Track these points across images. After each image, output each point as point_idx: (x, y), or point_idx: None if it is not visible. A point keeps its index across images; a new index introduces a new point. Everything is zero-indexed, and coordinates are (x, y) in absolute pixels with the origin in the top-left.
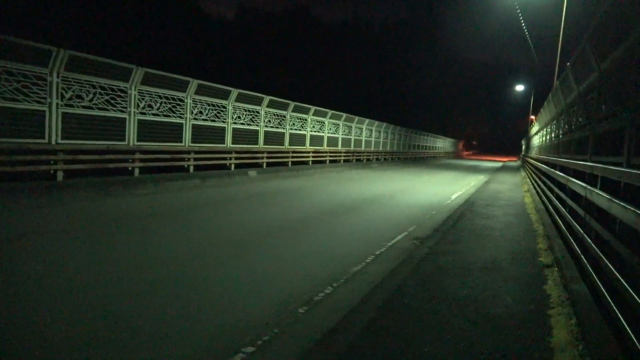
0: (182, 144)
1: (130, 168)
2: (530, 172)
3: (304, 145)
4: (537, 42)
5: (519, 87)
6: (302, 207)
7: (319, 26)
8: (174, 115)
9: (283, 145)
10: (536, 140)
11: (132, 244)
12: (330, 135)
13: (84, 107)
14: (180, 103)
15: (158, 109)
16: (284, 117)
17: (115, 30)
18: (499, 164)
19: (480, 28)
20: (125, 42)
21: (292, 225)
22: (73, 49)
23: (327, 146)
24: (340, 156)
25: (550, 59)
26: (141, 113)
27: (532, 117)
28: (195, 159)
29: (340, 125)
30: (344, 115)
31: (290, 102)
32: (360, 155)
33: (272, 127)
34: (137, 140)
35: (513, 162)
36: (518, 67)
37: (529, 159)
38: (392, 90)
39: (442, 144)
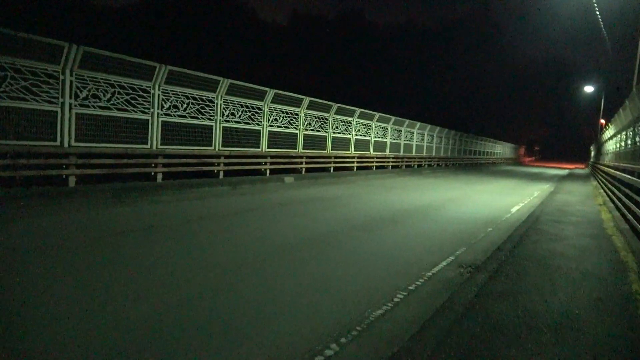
0: (212, 148)
1: (152, 173)
2: (604, 181)
3: (348, 150)
4: (606, 41)
5: (588, 89)
6: (332, 219)
7: (373, 29)
8: (203, 117)
9: (325, 149)
10: (611, 146)
11: (114, 265)
12: (377, 139)
13: (101, 107)
14: (210, 104)
15: (185, 109)
16: (326, 119)
17: (174, 38)
18: (565, 172)
19: (545, 25)
20: (186, 50)
21: (308, 244)
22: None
23: (373, 151)
24: (389, 162)
25: (622, 60)
26: (166, 114)
27: (602, 121)
28: (225, 164)
29: (389, 128)
30: (393, 118)
31: (333, 103)
32: (410, 161)
33: (312, 130)
34: (161, 144)
35: (580, 169)
36: (586, 68)
37: (602, 167)
38: (448, 93)
39: (501, 149)
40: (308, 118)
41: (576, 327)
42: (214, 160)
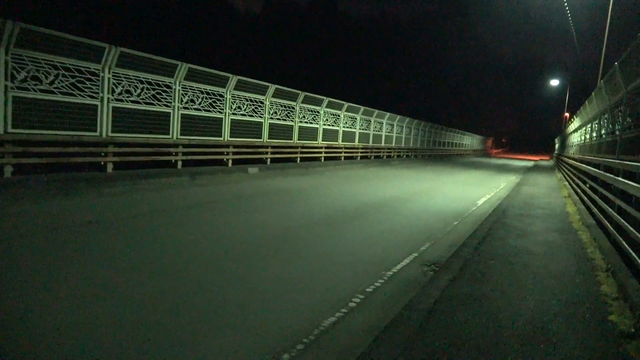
0: (169, 136)
1: (103, 163)
2: (569, 173)
3: (316, 140)
4: (574, 36)
5: (554, 82)
6: (294, 214)
7: (346, 20)
8: (160, 103)
9: (291, 139)
10: (575, 139)
11: (34, 265)
12: (346, 129)
13: (132, 101)
14: (167, 90)
15: (139, 95)
16: (293, 108)
17: (141, 24)
18: (531, 163)
19: (513, 21)
20: (152, 36)
21: (265, 242)
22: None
23: (342, 141)
24: (357, 152)
25: (587, 56)
26: (117, 100)
27: (567, 114)
28: (184, 154)
29: (358, 119)
30: (362, 108)
31: (300, 92)
32: (379, 152)
33: (278, 119)
34: (112, 132)
35: (545, 161)
36: (552, 63)
37: (566, 159)
38: (419, 85)
39: (470, 141)
40: (274, 106)
41: (546, 339)
42: (172, 150)
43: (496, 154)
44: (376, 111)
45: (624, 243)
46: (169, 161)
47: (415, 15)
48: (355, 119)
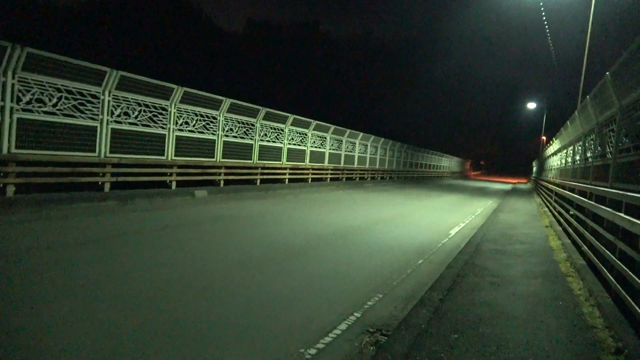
0: (95, 154)
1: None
2: (549, 199)
3: (279, 160)
4: (553, 58)
5: (531, 105)
6: (220, 250)
7: (328, 41)
8: (83, 115)
9: (250, 159)
10: (555, 162)
11: None
12: (314, 149)
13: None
14: (94, 100)
15: (55, 105)
16: (253, 125)
17: (124, 41)
18: (509, 187)
19: (493, 46)
20: (136, 54)
21: (162, 294)
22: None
23: (309, 162)
24: (327, 174)
25: (566, 83)
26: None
27: (544, 137)
28: (114, 174)
29: (328, 138)
30: (332, 127)
31: (260, 107)
32: (352, 174)
33: (235, 136)
34: (16, 148)
35: (523, 184)
36: (529, 87)
37: (546, 183)
38: (398, 106)
39: (448, 163)
40: (230, 123)
41: None
42: (98, 170)
43: (474, 176)
44: (348, 130)
45: (635, 305)
46: (94, 183)
47: (398, 38)
48: (325, 138)
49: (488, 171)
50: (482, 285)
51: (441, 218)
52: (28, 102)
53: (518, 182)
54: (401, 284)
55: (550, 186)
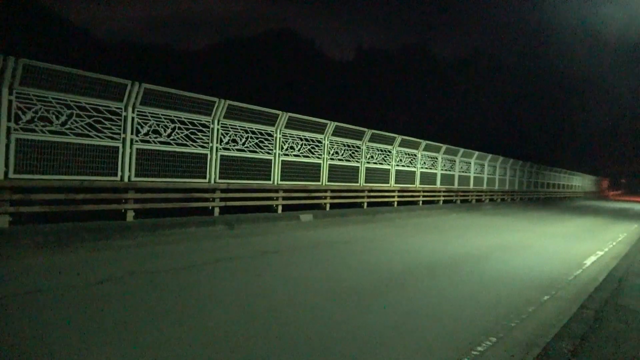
0: (206, 180)
1: (123, 210)
2: None
3: (387, 183)
4: None
5: None
6: (315, 278)
7: (436, 61)
8: (194, 144)
9: (357, 182)
10: None
11: None
12: (424, 170)
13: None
14: (204, 129)
15: (169, 135)
16: (359, 147)
17: (249, 77)
18: None
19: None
20: (253, 86)
21: (236, 329)
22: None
23: (420, 184)
24: (439, 196)
25: None
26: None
27: None
28: (222, 199)
29: (439, 158)
30: (444, 147)
31: (366, 129)
32: (467, 195)
33: (340, 159)
34: (135, 176)
35: None
36: None
37: None
38: (525, 123)
39: (579, 182)
40: (335, 146)
41: None
42: (208, 195)
43: (613, 196)
44: (461, 150)
45: None
46: (206, 208)
47: (514, 52)
48: (436, 158)
49: (631, 190)
50: (628, 334)
51: (572, 245)
52: (146, 134)
53: None
54: (520, 326)
55: None
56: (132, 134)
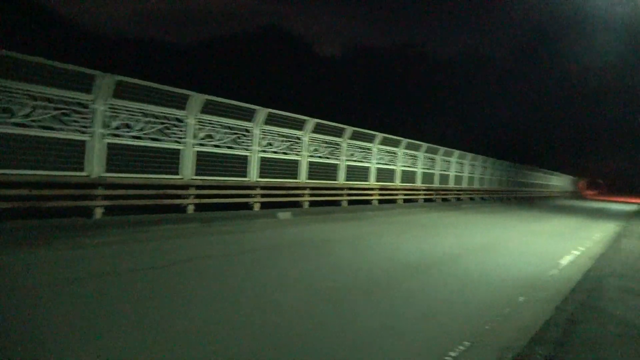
0: (179, 176)
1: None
2: None
3: (367, 181)
4: None
5: None
6: (292, 279)
7: (427, 59)
8: (169, 139)
9: (337, 180)
10: None
11: None
12: (405, 168)
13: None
14: (179, 123)
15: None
16: (338, 145)
17: (236, 73)
18: (634, 207)
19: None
20: (250, 86)
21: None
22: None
23: (400, 182)
24: (419, 194)
25: None
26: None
27: None
28: (196, 196)
29: (420, 157)
30: (425, 145)
31: (346, 126)
32: (447, 194)
33: (320, 156)
34: (105, 171)
35: None
36: None
37: None
38: (506, 123)
39: (557, 181)
40: (315, 143)
41: None
42: (182, 192)
43: (591, 196)
44: (442, 148)
45: None
46: (178, 205)
47: (502, 51)
48: (417, 157)
49: (607, 190)
50: (605, 338)
51: (551, 244)
52: (116, 128)
53: None
54: (495, 329)
55: None
56: (102, 127)
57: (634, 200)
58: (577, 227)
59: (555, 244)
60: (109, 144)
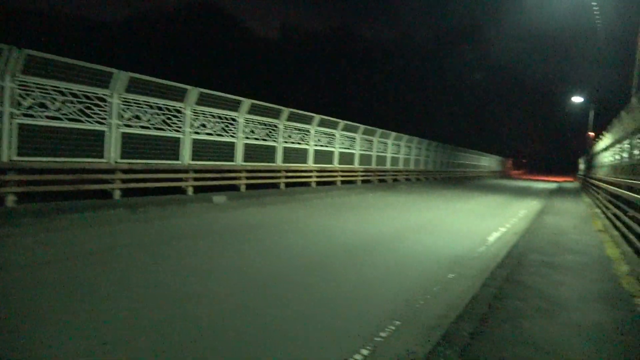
0: (105, 160)
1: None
2: (602, 199)
3: (305, 163)
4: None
5: (577, 99)
6: (225, 266)
7: (362, 43)
8: (90, 120)
9: (274, 162)
10: (607, 158)
11: None
12: (343, 150)
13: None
14: (101, 103)
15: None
16: (276, 127)
17: (167, 53)
18: (554, 185)
19: (537, 38)
20: (180, 66)
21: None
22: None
23: (338, 164)
24: (357, 176)
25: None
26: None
27: (592, 133)
28: (124, 181)
29: (358, 139)
30: (362, 127)
31: (283, 108)
32: (384, 175)
33: (257, 138)
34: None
35: (570, 182)
36: (575, 81)
37: (596, 181)
38: (436, 106)
39: (488, 162)
40: (251, 124)
41: None
42: (107, 177)
43: (516, 175)
44: (379, 130)
45: None
46: (104, 190)
47: (435, 38)
48: (355, 139)
49: (532, 169)
50: (526, 311)
51: (479, 222)
52: (29, 107)
53: (564, 181)
54: (425, 307)
55: (603, 185)
56: (11, 106)
57: (554, 179)
58: (504, 204)
59: (484, 221)
60: (19, 124)
